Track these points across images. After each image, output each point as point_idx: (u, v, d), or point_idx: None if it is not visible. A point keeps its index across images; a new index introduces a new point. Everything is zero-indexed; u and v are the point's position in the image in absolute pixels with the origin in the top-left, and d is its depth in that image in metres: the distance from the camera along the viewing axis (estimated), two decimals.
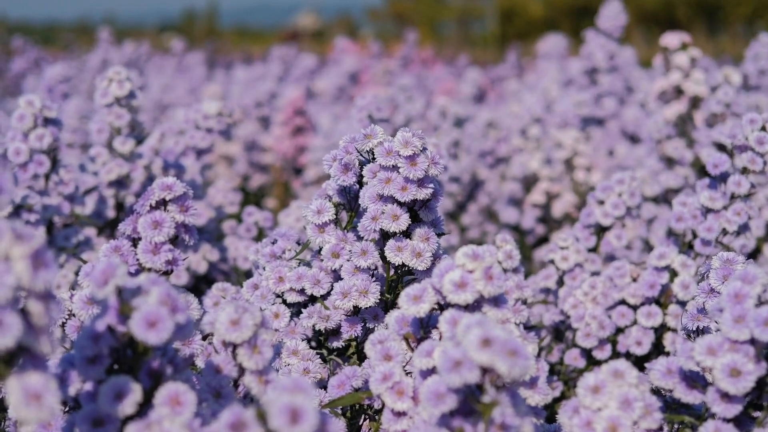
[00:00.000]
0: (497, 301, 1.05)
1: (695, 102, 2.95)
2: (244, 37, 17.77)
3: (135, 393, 0.90)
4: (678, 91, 2.97)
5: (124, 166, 2.34)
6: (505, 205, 3.81)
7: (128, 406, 0.90)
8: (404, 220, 1.35)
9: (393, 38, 11.57)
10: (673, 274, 1.87)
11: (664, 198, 3.06)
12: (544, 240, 3.73)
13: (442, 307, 1.06)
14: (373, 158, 1.38)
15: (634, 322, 1.91)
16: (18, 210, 2.04)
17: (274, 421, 0.79)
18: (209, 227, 2.66)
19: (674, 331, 1.89)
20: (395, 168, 1.34)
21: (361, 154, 1.40)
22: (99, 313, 0.92)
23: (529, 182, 3.79)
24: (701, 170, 2.90)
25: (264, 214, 2.65)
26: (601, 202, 2.11)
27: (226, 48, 11.80)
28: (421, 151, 1.33)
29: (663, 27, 15.89)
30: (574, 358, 1.98)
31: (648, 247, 3.06)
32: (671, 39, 2.97)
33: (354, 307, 1.41)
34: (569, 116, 3.96)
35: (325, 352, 1.47)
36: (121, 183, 2.38)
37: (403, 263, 1.36)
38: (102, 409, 0.90)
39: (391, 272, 1.41)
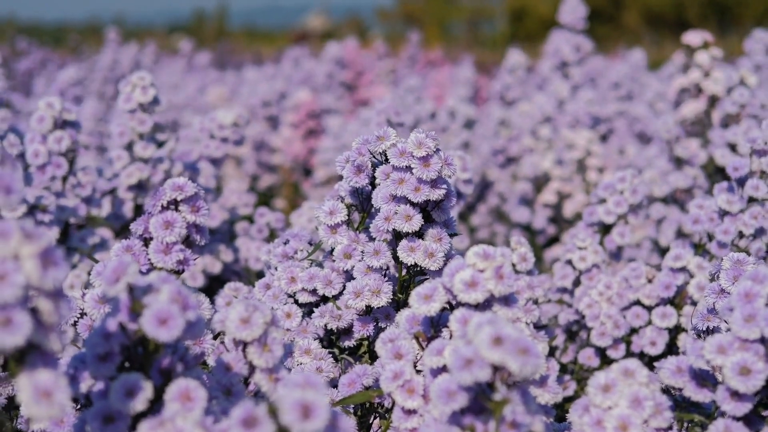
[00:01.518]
0: (508, 300, 1.05)
1: (713, 101, 2.95)
2: (254, 38, 17.75)
3: (146, 390, 0.90)
4: (698, 90, 2.97)
5: (145, 169, 2.35)
6: (516, 205, 3.80)
7: (139, 402, 0.90)
8: (417, 221, 1.35)
9: (403, 39, 11.55)
10: (689, 275, 1.87)
11: (674, 198, 3.05)
12: (554, 240, 3.73)
13: (453, 306, 1.06)
14: (386, 160, 1.38)
15: (649, 323, 1.91)
16: (32, 210, 2.05)
17: (285, 416, 0.80)
18: (222, 228, 2.66)
19: (689, 332, 1.89)
20: (408, 169, 1.34)
21: (374, 156, 1.41)
22: (110, 311, 0.93)
23: (540, 182, 3.79)
24: (715, 171, 2.90)
25: (276, 215, 2.65)
26: (604, 201, 2.11)
27: (237, 49, 11.79)
28: (434, 152, 1.34)
29: (672, 28, 15.86)
30: (588, 357, 1.98)
31: (657, 248, 3.06)
32: (693, 37, 2.96)
33: (366, 306, 1.41)
34: (581, 115, 3.95)
35: (336, 351, 1.47)
36: (140, 186, 2.38)
37: (415, 263, 1.36)
38: (113, 406, 0.90)
39: (403, 272, 1.42)
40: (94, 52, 8.37)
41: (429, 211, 1.38)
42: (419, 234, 1.38)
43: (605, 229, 2.14)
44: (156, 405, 0.92)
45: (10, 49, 8.59)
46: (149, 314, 0.88)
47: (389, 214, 1.36)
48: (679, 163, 3.03)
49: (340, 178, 1.43)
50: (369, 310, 1.44)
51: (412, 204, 1.36)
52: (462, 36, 17.88)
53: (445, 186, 1.35)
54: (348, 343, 1.46)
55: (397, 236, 1.39)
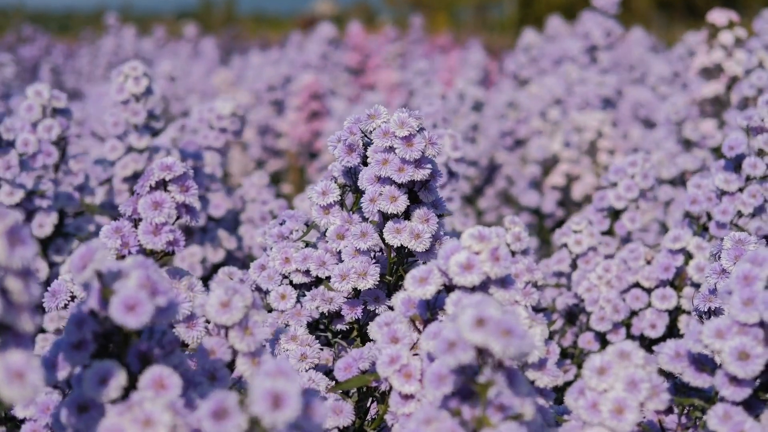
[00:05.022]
0: (504, 282, 1.05)
1: (734, 82, 2.92)
2: (262, 24, 17.75)
3: (119, 377, 0.89)
4: (719, 70, 2.94)
5: (140, 161, 2.33)
6: (525, 189, 3.78)
7: (112, 390, 0.89)
8: (402, 202, 1.34)
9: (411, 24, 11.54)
10: (688, 256, 1.85)
11: (682, 180, 3.03)
12: (563, 223, 3.70)
13: (449, 288, 1.05)
14: None
15: (648, 305, 1.90)
16: (30, 196, 2.03)
17: (255, 407, 0.78)
18: (227, 216, 2.65)
19: (689, 313, 1.88)
20: (392, 149, 1.33)
21: (366, 135, 1.39)
22: (83, 298, 0.92)
23: (548, 165, 3.76)
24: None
25: (279, 203, 2.64)
26: (614, 185, 2.09)
27: (244, 34, 11.78)
28: (417, 131, 1.33)
29: (681, 12, 15.80)
30: (587, 342, 1.97)
31: (664, 230, 3.04)
32: (718, 16, 2.93)
33: (354, 289, 1.40)
34: (590, 97, 3.93)
35: (329, 335, 1.46)
36: (136, 177, 2.36)
37: (402, 245, 1.35)
38: (86, 395, 0.89)
39: (392, 254, 1.41)
40: (98, 38, 8.38)
41: (416, 192, 1.37)
42: (407, 215, 1.37)
43: (615, 213, 2.12)
44: (133, 392, 0.91)
45: (17, 37, 8.60)
46: (117, 301, 0.87)
47: (374, 195, 1.35)
48: (687, 145, 3.00)
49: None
50: (358, 292, 1.43)
51: (398, 185, 1.35)
52: (470, 20, 17.85)
53: (430, 165, 1.34)
54: (340, 327, 1.45)
55: (387, 217, 1.37)
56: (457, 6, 19.16)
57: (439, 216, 1.38)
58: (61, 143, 2.14)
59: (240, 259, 2.65)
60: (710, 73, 2.98)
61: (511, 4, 18.06)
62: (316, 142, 4.45)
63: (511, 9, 17.90)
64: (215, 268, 2.59)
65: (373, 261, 1.39)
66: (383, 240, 1.38)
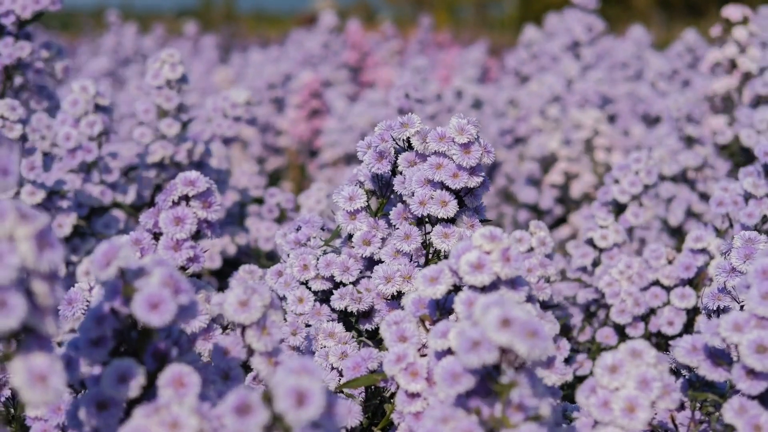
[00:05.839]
0: (514, 283, 1.04)
1: (746, 78, 2.91)
2: (262, 21, 17.71)
3: (139, 376, 0.89)
4: (732, 65, 2.93)
5: (169, 147, 2.34)
6: (523, 186, 3.77)
7: (132, 389, 0.88)
8: (453, 207, 1.34)
9: (411, 22, 11.51)
10: (709, 257, 1.87)
11: (683, 177, 3.03)
12: (561, 220, 3.70)
13: (459, 288, 1.05)
14: (409, 146, 1.38)
15: (667, 303, 1.93)
16: (51, 196, 2.03)
17: (279, 403, 0.78)
18: (233, 210, 2.66)
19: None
20: (445, 154, 1.33)
21: (396, 142, 1.39)
22: (103, 295, 0.91)
23: (547, 162, 3.76)
24: (740, 150, 2.86)
25: (286, 196, 2.66)
26: (618, 181, 2.10)
27: (243, 32, 11.77)
28: (475, 139, 1.32)
29: (681, 9, 15.79)
30: (606, 336, 2.00)
31: (666, 227, 3.04)
32: (733, 11, 2.92)
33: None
34: (590, 94, 3.92)
35: (354, 334, 1.45)
36: (162, 165, 2.37)
37: (448, 249, 1.35)
38: (106, 392, 0.89)
39: (431, 257, 1.40)
40: (98, 36, 8.37)
41: (462, 197, 1.37)
42: (451, 219, 1.37)
43: (618, 209, 2.12)
44: (150, 390, 0.91)
45: None
46: (140, 298, 0.87)
47: (424, 198, 1.34)
48: (689, 141, 3.00)
49: (344, 159, 1.41)
50: (392, 295, 1.43)
51: (449, 190, 1.34)
52: (470, 18, 17.82)
53: (483, 174, 1.34)
54: (368, 327, 1.45)
55: (419, 222, 1.38)
56: (458, 4, 19.14)
57: (481, 222, 1.38)
58: (99, 140, 2.16)
59: (248, 252, 2.66)
60: (714, 70, 2.98)
61: (511, 2, 18.05)
62: (316, 140, 4.44)
63: (511, 7, 17.89)
64: (224, 261, 2.60)
65: (415, 264, 1.39)
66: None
